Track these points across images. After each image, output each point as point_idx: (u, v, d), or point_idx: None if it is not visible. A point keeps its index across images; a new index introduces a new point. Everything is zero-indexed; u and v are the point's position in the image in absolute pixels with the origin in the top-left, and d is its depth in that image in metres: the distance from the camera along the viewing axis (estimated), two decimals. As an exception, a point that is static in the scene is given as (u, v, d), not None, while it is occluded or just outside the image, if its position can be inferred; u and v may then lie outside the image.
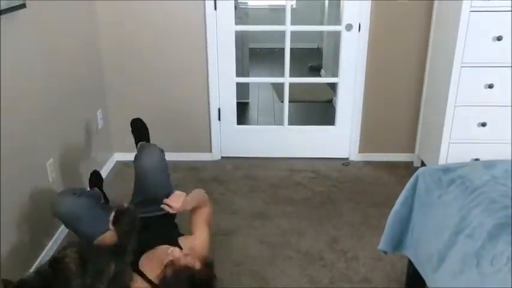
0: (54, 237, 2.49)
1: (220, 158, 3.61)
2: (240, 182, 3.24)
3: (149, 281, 1.91)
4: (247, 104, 4.90)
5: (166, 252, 1.93)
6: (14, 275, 1.78)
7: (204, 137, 3.54)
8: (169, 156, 3.49)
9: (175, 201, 2.02)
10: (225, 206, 2.91)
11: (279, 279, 2.28)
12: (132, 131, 2.79)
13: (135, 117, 2.82)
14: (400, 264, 2.33)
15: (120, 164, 3.50)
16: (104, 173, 3.30)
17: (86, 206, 2.17)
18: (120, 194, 3.04)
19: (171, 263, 1.87)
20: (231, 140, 3.59)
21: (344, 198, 3.02)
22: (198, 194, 2.20)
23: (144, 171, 2.30)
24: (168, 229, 2.24)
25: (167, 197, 2.16)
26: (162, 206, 2.03)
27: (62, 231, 2.57)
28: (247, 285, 2.23)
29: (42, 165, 2.40)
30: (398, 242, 2.07)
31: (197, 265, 1.88)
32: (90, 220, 2.13)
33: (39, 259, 2.31)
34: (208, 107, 3.45)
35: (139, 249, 2.06)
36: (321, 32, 6.86)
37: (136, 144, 2.71)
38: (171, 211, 2.02)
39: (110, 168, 3.43)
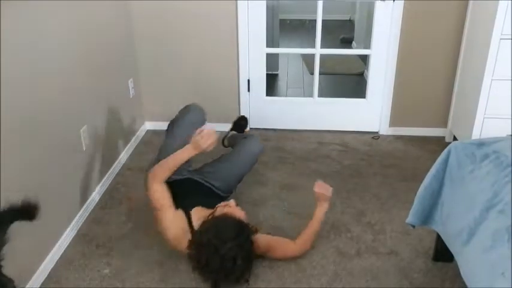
0: (84, 206, 2.57)
1: (249, 129, 3.62)
2: (268, 154, 3.25)
3: (190, 224, 2.06)
4: (276, 75, 4.87)
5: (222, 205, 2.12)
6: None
7: (233, 108, 3.55)
8: (199, 127, 3.57)
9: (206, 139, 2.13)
10: (253, 177, 2.93)
11: (306, 249, 2.30)
12: (234, 123, 2.90)
13: (241, 115, 3.01)
14: (428, 238, 2.32)
15: (151, 133, 3.56)
16: (134, 141, 3.36)
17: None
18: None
19: (224, 207, 2.08)
20: (260, 111, 3.59)
21: (372, 172, 3.00)
22: (316, 229, 2.25)
23: (241, 155, 2.53)
24: (216, 200, 2.29)
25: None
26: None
27: (91, 201, 2.65)
28: (274, 254, 2.26)
29: (76, 132, 2.46)
30: (427, 216, 2.05)
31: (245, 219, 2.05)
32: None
33: (71, 224, 2.40)
34: (238, 78, 3.45)
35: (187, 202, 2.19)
36: (353, 3, 6.69)
37: (229, 132, 2.88)
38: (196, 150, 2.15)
39: (141, 137, 3.50)
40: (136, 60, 3.40)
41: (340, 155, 3.23)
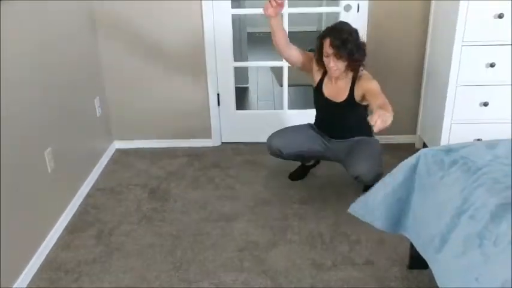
0: (51, 231, 2.48)
1: (220, 143, 3.58)
2: (240, 168, 3.22)
3: None
4: (246, 88, 4.86)
5: None
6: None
7: (204, 123, 3.51)
8: (169, 143, 3.52)
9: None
10: (226, 192, 2.90)
11: (282, 263, 2.27)
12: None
13: None
14: (402, 246, 2.32)
15: (120, 152, 3.49)
16: (103, 161, 3.28)
17: None
18: (121, 182, 3.04)
19: None
20: (231, 125, 3.56)
21: (346, 182, 3.00)
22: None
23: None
24: None
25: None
26: None
27: (59, 226, 2.56)
28: (249, 269, 2.22)
29: (40, 154, 2.38)
30: (396, 223, 2.04)
31: None
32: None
33: (38, 251, 2.31)
34: (207, 93, 3.42)
35: None
36: (320, 14, 6.78)
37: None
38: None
39: (110, 156, 3.42)
40: (102, 78, 3.33)
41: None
